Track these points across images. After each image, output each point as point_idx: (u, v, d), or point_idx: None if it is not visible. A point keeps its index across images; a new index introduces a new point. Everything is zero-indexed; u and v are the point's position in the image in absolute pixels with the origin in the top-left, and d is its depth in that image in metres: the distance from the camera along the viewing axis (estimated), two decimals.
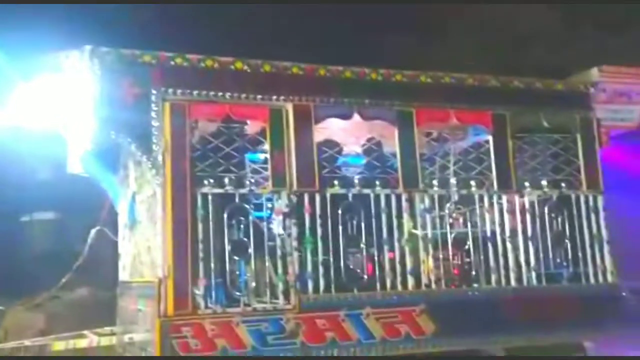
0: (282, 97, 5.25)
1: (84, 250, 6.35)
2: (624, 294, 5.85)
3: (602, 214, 5.92)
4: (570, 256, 5.84)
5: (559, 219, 5.85)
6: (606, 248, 5.88)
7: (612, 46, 10.24)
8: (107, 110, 4.85)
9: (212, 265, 4.88)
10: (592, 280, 5.81)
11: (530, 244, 5.69)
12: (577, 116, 6.03)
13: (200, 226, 4.88)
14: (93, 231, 6.39)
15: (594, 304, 5.72)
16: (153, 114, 4.93)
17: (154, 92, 4.95)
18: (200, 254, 4.84)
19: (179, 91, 5.01)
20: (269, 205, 5.39)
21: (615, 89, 6.11)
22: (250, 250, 5.04)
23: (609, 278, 5.84)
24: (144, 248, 5.51)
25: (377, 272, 5.34)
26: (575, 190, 5.93)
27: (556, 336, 5.59)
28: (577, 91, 6.08)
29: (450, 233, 5.70)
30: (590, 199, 5.94)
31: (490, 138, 5.80)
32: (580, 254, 5.84)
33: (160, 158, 4.88)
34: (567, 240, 5.86)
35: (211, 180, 5.00)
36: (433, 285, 5.41)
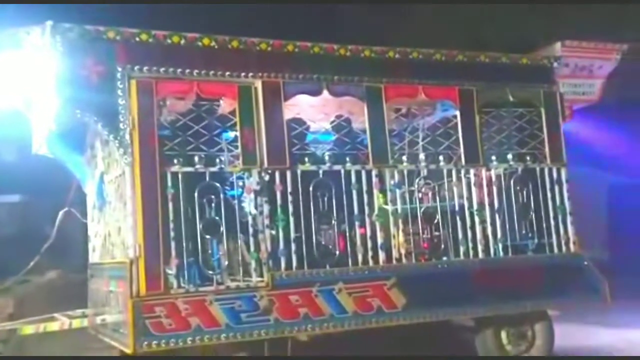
0: (250, 74, 5.21)
1: (52, 233, 6.24)
2: (585, 263, 6.02)
3: (565, 186, 6.06)
4: (535, 228, 5.97)
5: (524, 192, 5.97)
6: (569, 219, 6.04)
7: (574, 21, 10.40)
8: (71, 89, 4.74)
9: (184, 244, 4.86)
10: (556, 250, 5.96)
11: (496, 216, 5.80)
12: (542, 90, 6.14)
13: (170, 205, 4.84)
14: (61, 213, 6.27)
15: (557, 274, 5.88)
16: (119, 92, 4.84)
17: (119, 69, 4.86)
18: (172, 234, 4.80)
19: (145, 68, 4.93)
20: (240, 183, 5.37)
21: (577, 63, 6.23)
22: (222, 229, 5.02)
23: (572, 248, 6.00)
24: (114, 229, 5.45)
25: (348, 248, 5.38)
26: (540, 163, 6.05)
27: (522, 305, 5.74)
28: (542, 66, 6.18)
29: (420, 208, 5.78)
30: (554, 171, 6.07)
31: (457, 113, 5.87)
32: (544, 225, 5.98)
33: (127, 137, 4.81)
34: (532, 212, 5.99)
35: (181, 159, 4.95)
36: (403, 260, 5.49)
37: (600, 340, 7.05)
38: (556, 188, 6.04)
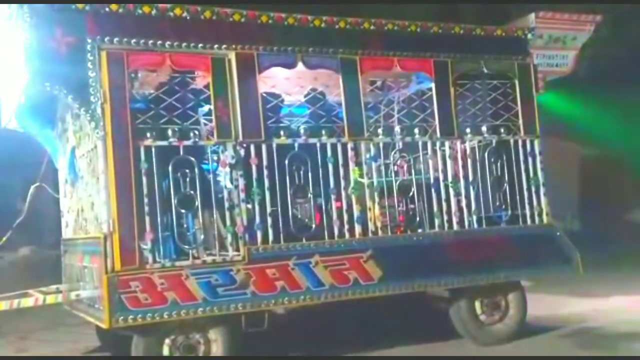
0: (224, 46, 5.13)
1: (23, 209, 6.13)
2: (558, 234, 6.11)
3: (538, 158, 6.12)
4: (508, 199, 6.03)
5: (498, 164, 6.01)
6: (542, 190, 6.10)
7: None
8: (39, 61, 4.62)
9: (159, 219, 4.81)
10: (529, 222, 6.03)
11: (471, 188, 5.85)
12: (516, 62, 6.14)
13: (144, 180, 4.78)
14: (32, 188, 6.16)
15: (530, 245, 5.96)
16: (89, 64, 4.72)
17: (88, 40, 4.73)
18: (146, 208, 4.75)
19: (115, 39, 4.81)
20: (215, 157, 5.33)
21: (551, 35, 6.24)
22: (198, 203, 4.99)
23: (545, 219, 6.08)
24: (87, 204, 5.38)
25: (324, 221, 5.38)
26: (514, 135, 6.09)
27: (496, 276, 5.82)
28: (516, 37, 6.17)
29: (395, 181, 5.80)
30: (528, 143, 6.11)
31: (433, 85, 5.86)
32: (518, 197, 6.04)
33: (99, 110, 4.71)
34: (505, 184, 6.04)
35: (154, 133, 4.88)
36: (379, 232, 5.52)
37: (571, 309, 7.20)
38: (529, 160, 6.09)
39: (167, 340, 4.86)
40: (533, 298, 6.28)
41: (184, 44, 5.01)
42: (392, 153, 5.89)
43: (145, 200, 4.76)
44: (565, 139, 12.78)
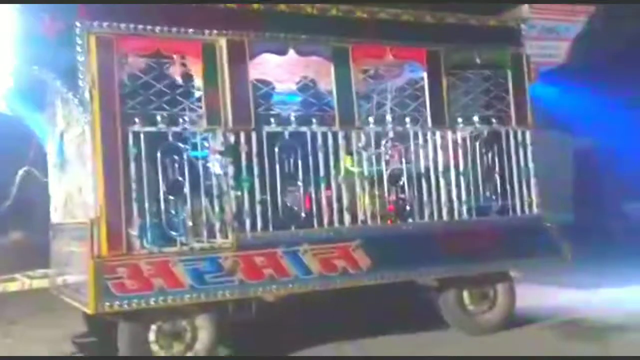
0: (215, 32, 5.09)
1: (11, 193, 6.11)
2: (548, 225, 6.11)
3: (530, 149, 6.10)
4: (499, 190, 6.03)
5: (490, 154, 6.00)
6: (533, 181, 6.09)
7: None
8: (28, 45, 4.60)
9: (147, 205, 4.79)
10: (519, 212, 6.03)
11: (462, 179, 5.83)
12: (509, 52, 6.12)
13: (133, 165, 4.76)
14: (20, 172, 6.13)
15: (520, 235, 5.95)
16: (78, 48, 4.70)
17: (78, 25, 4.71)
18: (134, 194, 4.74)
19: (105, 24, 4.78)
20: (205, 144, 5.30)
21: (544, 25, 6.20)
22: (187, 189, 4.96)
23: (535, 210, 6.08)
24: (75, 189, 5.36)
25: (314, 209, 5.37)
26: (505, 126, 6.07)
27: (485, 266, 5.83)
28: (509, 27, 6.14)
29: (386, 170, 5.78)
30: (519, 134, 6.10)
31: (425, 75, 5.83)
32: (508, 188, 6.04)
33: (87, 95, 4.69)
34: (496, 175, 6.04)
35: (143, 118, 4.85)
36: (369, 222, 5.51)
37: (560, 300, 7.22)
38: (521, 150, 6.07)
39: (153, 327, 4.85)
40: (522, 288, 6.29)
41: (174, 29, 4.97)
42: (384, 142, 5.87)
43: (133, 186, 4.74)
44: (558, 130, 12.77)
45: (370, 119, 5.73)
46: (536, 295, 7.20)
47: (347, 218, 5.42)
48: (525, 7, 6.10)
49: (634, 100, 12.71)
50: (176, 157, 4.98)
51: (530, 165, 6.08)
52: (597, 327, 6.03)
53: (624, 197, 13.72)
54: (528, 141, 6.10)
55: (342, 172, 5.49)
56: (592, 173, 14.29)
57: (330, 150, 5.41)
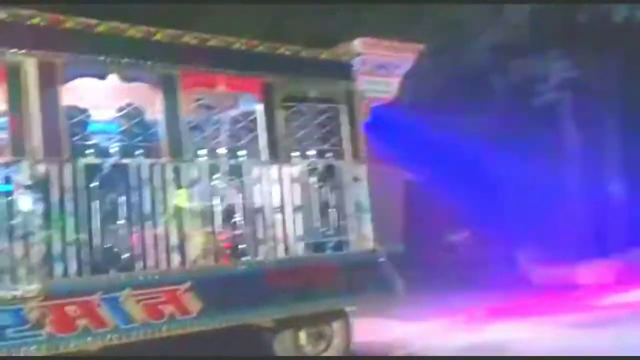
0: (22, 51, 4.51)
1: None
2: (382, 259, 6.10)
3: (364, 183, 6.09)
4: (334, 225, 5.94)
5: (325, 189, 5.91)
6: (367, 216, 6.08)
7: (374, 19, 10.69)
8: None
9: None
10: (353, 248, 5.97)
11: (297, 214, 5.66)
12: (342, 87, 6.11)
13: None
14: None
15: (354, 271, 5.88)
16: None
17: None
18: None
19: None
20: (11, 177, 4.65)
21: (376, 61, 6.28)
22: None
23: (370, 245, 6.05)
24: None
25: (138, 250, 4.89)
26: (340, 160, 6.02)
27: (320, 304, 5.67)
28: (341, 62, 6.14)
29: (220, 205, 5.45)
30: (354, 168, 6.07)
31: (258, 107, 5.62)
32: (343, 223, 5.97)
33: None
34: (331, 210, 5.95)
35: None
36: (200, 262, 5.13)
37: (394, 334, 7.27)
38: (355, 185, 6.04)
39: None
40: (359, 323, 6.21)
41: None
42: (217, 176, 5.55)
43: None
44: (392, 164, 13.22)
45: (203, 151, 5.40)
46: (373, 329, 7.18)
47: (175, 259, 4.99)
48: (357, 42, 6.13)
49: (462, 133, 13.51)
50: None
51: (365, 199, 6.06)
52: None
53: (453, 228, 14.49)
54: (362, 175, 6.09)
55: (171, 209, 5.07)
56: (423, 206, 14.95)
57: (158, 184, 4.98)
